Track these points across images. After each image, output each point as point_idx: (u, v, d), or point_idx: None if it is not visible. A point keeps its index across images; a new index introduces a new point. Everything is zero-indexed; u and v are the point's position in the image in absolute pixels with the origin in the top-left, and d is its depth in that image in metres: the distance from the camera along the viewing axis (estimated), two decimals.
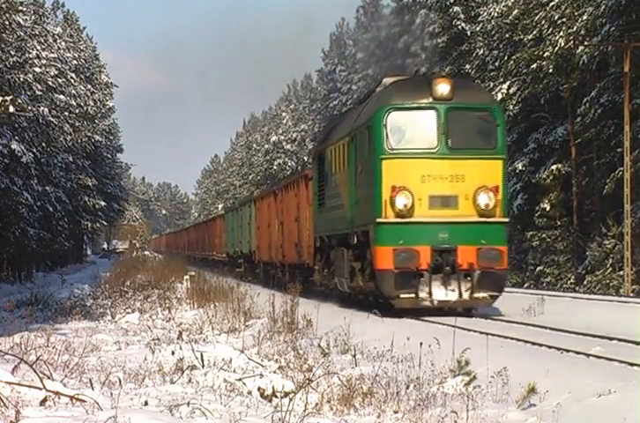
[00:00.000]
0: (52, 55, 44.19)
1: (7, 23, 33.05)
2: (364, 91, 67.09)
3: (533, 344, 13.22)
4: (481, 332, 14.37)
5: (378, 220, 18.52)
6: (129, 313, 20.27)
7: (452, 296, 18.19)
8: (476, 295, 18.23)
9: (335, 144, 22.65)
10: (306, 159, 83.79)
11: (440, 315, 17.44)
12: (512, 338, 13.80)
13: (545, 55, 35.56)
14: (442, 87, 18.77)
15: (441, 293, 18.13)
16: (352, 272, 20.57)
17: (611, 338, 13.98)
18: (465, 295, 18.19)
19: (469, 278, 18.26)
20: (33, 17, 41.56)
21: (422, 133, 18.84)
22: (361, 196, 19.93)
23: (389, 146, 18.71)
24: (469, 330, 15.14)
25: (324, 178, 23.67)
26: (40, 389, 8.93)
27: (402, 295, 18.09)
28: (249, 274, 40.30)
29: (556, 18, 35.77)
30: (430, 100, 18.78)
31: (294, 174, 56.49)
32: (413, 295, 18.08)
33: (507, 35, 40.11)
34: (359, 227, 19.91)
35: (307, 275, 26.36)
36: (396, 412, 8.45)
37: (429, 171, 18.61)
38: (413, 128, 18.90)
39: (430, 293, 18.08)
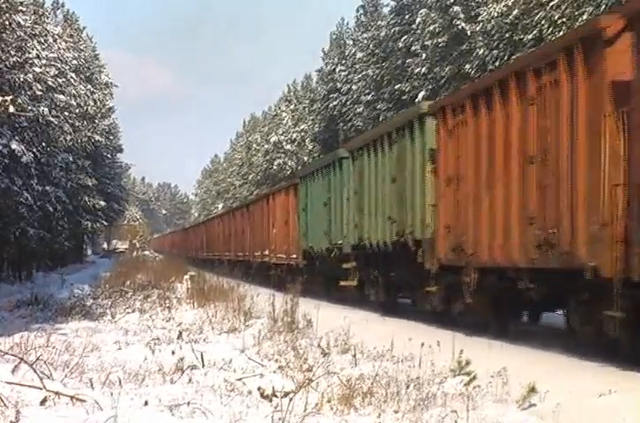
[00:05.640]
0: (52, 55, 44.16)
1: (7, 23, 33.05)
2: (364, 91, 67.15)
3: None
4: None
5: None
6: (129, 313, 20.23)
7: None
8: None
9: None
10: (306, 159, 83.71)
11: None
12: None
13: None
14: None
15: None
16: None
17: None
18: None
19: None
20: (33, 17, 41.48)
21: None
22: None
23: None
24: None
25: None
26: (40, 389, 8.92)
27: None
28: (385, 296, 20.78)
29: (556, 17, 35.79)
30: None
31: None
32: None
33: (507, 35, 40.15)
34: None
35: None
36: (396, 412, 8.45)
37: None
38: None
39: None
